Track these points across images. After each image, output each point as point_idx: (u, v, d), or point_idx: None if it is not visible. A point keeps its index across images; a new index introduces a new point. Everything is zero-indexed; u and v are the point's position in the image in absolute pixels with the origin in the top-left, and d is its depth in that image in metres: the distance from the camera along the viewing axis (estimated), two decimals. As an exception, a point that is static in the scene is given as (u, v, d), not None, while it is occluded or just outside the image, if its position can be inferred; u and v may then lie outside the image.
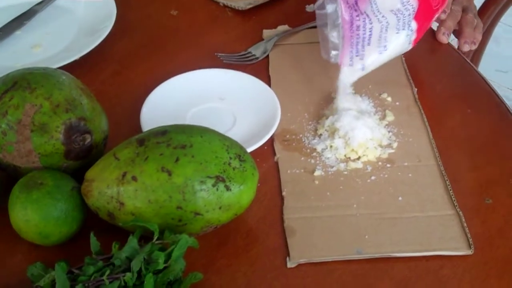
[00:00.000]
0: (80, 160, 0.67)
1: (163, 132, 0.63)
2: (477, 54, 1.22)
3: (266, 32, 0.95)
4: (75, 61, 0.86)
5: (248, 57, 0.91)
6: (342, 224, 0.68)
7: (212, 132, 0.64)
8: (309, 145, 0.76)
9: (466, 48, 0.90)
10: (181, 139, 0.62)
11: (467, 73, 0.89)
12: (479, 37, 0.92)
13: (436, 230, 0.67)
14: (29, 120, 0.65)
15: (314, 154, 0.75)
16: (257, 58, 0.91)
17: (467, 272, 0.64)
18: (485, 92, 0.86)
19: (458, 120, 0.81)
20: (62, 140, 0.65)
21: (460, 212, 0.68)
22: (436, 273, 0.64)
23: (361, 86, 0.84)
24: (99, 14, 0.95)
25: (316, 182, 0.72)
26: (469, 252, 0.65)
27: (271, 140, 0.77)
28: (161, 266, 0.57)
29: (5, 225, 0.67)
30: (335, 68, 0.87)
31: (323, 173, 0.73)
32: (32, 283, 0.61)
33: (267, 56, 0.91)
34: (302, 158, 0.75)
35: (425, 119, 0.80)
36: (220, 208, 0.62)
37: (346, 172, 0.73)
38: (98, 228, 0.63)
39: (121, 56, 0.92)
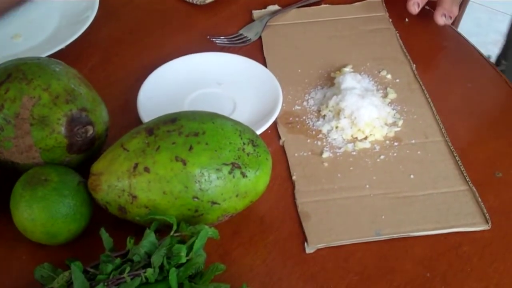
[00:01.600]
0: (82, 153, 0.64)
1: (172, 120, 0.60)
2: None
3: (256, 13, 0.93)
4: (60, 50, 0.82)
5: (240, 39, 0.89)
6: (357, 205, 0.66)
7: (222, 117, 0.62)
8: (314, 127, 0.75)
9: (442, 21, 0.85)
10: (193, 126, 0.59)
11: (461, 46, 0.89)
12: (455, 11, 0.88)
13: (452, 206, 0.66)
14: (27, 113, 0.61)
15: (320, 135, 0.74)
16: (250, 39, 0.88)
17: (487, 247, 0.63)
18: (481, 65, 0.85)
19: (459, 95, 0.80)
20: (64, 133, 0.62)
21: (473, 188, 0.68)
22: (456, 250, 0.63)
23: (359, 64, 0.83)
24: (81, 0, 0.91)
25: (326, 164, 0.71)
26: (486, 227, 0.64)
27: (274, 123, 0.75)
28: (183, 260, 0.55)
29: (5, 226, 0.63)
30: (331, 47, 0.86)
31: (331, 154, 0.72)
32: (42, 286, 0.58)
33: (260, 37, 0.89)
34: (308, 140, 0.73)
35: (427, 95, 0.79)
36: (237, 195, 0.59)
37: (354, 153, 0.72)
38: (104, 224, 0.60)
39: (108, 43, 0.88)
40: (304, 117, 0.76)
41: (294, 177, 0.69)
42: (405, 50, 0.86)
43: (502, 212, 0.66)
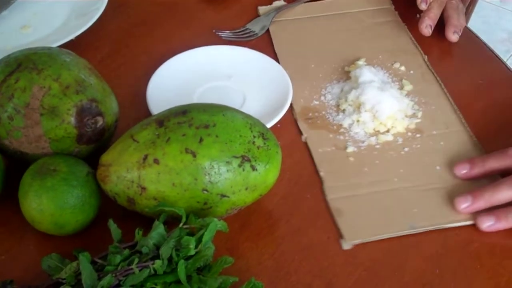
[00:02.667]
0: (92, 144, 0.64)
1: (183, 112, 0.60)
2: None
3: (262, 9, 0.92)
4: (69, 42, 0.82)
5: (247, 33, 0.88)
6: (388, 199, 0.66)
7: (233, 110, 0.62)
8: (334, 122, 0.74)
9: (455, 38, 0.84)
10: (203, 118, 0.59)
11: (471, 40, 0.88)
12: (463, 22, 0.88)
13: None
14: (38, 103, 0.61)
15: (342, 130, 0.74)
16: (256, 34, 0.88)
17: (497, 244, 0.63)
18: (492, 60, 0.85)
19: (473, 90, 0.80)
20: (74, 123, 0.62)
21: (498, 176, 0.67)
22: (466, 246, 0.62)
23: (372, 57, 0.83)
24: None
25: (351, 158, 0.70)
26: None
27: (293, 119, 0.75)
28: (192, 252, 0.55)
29: (12, 216, 0.63)
30: (342, 41, 0.86)
31: (355, 149, 0.71)
32: (50, 276, 0.57)
33: (266, 32, 0.88)
34: (331, 135, 0.73)
35: (443, 86, 0.79)
36: (246, 189, 0.59)
37: (378, 146, 0.72)
38: (112, 215, 0.60)
39: (118, 34, 0.88)
40: (323, 112, 0.76)
41: (321, 173, 0.69)
42: (415, 42, 0.86)
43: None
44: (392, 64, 0.82)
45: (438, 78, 0.80)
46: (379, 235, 0.63)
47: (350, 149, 0.71)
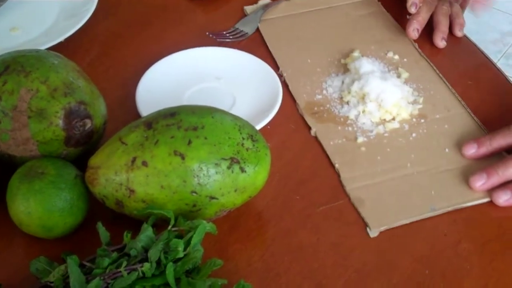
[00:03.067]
0: (80, 146, 0.64)
1: (172, 114, 0.60)
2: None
3: (249, 8, 0.93)
4: (59, 44, 0.82)
5: (237, 33, 0.88)
6: (405, 185, 0.68)
7: (222, 112, 0.61)
8: (341, 114, 0.76)
9: (442, 44, 0.86)
10: (192, 120, 0.59)
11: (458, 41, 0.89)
12: (463, 23, 0.89)
13: None
14: (25, 106, 0.61)
15: (349, 121, 0.75)
16: (247, 34, 0.88)
17: (486, 245, 0.63)
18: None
19: (461, 90, 0.80)
20: (62, 126, 0.61)
21: (504, 153, 0.69)
22: (455, 247, 0.63)
23: (365, 48, 0.84)
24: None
25: (363, 148, 0.72)
26: None
27: (300, 115, 0.76)
28: (181, 254, 0.54)
29: (1, 219, 0.63)
30: (333, 35, 0.87)
31: (365, 139, 0.73)
32: (38, 279, 0.57)
33: (257, 32, 0.88)
34: (339, 128, 0.74)
35: (437, 70, 0.81)
36: (235, 191, 0.59)
37: (386, 134, 0.73)
38: (100, 218, 0.60)
39: (107, 36, 0.88)
40: (328, 106, 0.77)
41: (336, 166, 0.70)
42: (403, 30, 0.88)
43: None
44: (386, 54, 0.84)
45: (432, 64, 0.82)
46: (402, 220, 0.64)
47: (360, 140, 0.72)
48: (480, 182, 0.66)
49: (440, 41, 0.86)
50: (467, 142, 0.70)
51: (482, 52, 0.87)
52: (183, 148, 0.57)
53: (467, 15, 1.32)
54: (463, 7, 1.00)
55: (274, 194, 0.67)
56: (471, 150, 0.70)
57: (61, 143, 0.62)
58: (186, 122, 0.59)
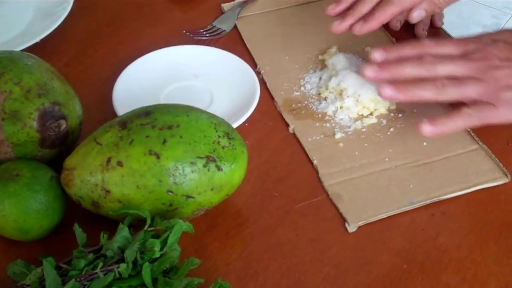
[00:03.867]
0: (55, 148, 0.63)
1: (146, 113, 0.59)
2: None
3: (226, 6, 0.93)
4: (35, 44, 0.81)
5: (215, 31, 0.88)
6: (383, 179, 0.68)
7: (197, 110, 0.61)
8: (318, 110, 0.76)
9: (423, 34, 0.87)
10: (167, 119, 0.58)
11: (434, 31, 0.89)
12: (441, 13, 0.90)
13: (470, 166, 0.69)
14: (-1, 108, 0.60)
15: (327, 117, 0.75)
16: (224, 31, 0.88)
17: (464, 239, 0.63)
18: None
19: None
20: (36, 127, 0.61)
21: (484, 146, 0.70)
22: (433, 241, 0.63)
23: (342, 44, 0.84)
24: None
25: (341, 144, 0.72)
26: (506, 180, 0.68)
27: (278, 112, 0.76)
28: (157, 254, 0.54)
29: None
30: (310, 31, 0.87)
31: (343, 134, 0.73)
32: (15, 282, 0.57)
33: (234, 29, 0.88)
34: (317, 124, 0.74)
35: None
36: (212, 189, 0.59)
37: (364, 129, 0.73)
38: (77, 219, 0.59)
39: (84, 36, 0.87)
40: (306, 102, 0.77)
41: (315, 162, 0.70)
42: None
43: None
44: (363, 49, 0.84)
45: None
46: (381, 214, 0.64)
47: (338, 136, 0.72)
48: (371, 71, 0.68)
49: (422, 31, 0.87)
50: (375, 49, 0.70)
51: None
52: (158, 148, 0.57)
53: (449, 9, 1.33)
54: None
55: (252, 191, 0.67)
56: (377, 55, 0.69)
57: (36, 144, 0.62)
58: (160, 121, 0.58)
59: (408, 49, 0.69)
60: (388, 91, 0.66)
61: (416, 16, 0.77)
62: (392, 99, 0.69)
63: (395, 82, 0.67)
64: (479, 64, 0.65)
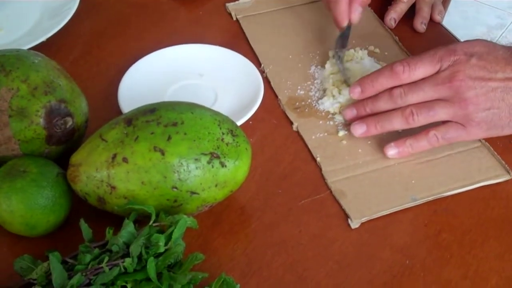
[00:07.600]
0: (62, 145, 0.64)
1: (151, 110, 0.60)
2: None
3: (231, 6, 0.93)
4: (42, 43, 0.82)
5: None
6: (386, 176, 0.69)
7: (202, 107, 0.62)
8: (322, 108, 0.76)
9: (422, 28, 0.88)
10: (172, 116, 0.59)
11: (440, 34, 0.90)
12: (442, 9, 0.91)
13: (472, 163, 0.70)
14: (6, 105, 0.61)
15: (330, 116, 0.76)
16: None
17: (466, 235, 0.64)
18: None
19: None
20: (43, 124, 0.62)
21: (486, 143, 0.71)
22: (435, 237, 0.63)
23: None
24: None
25: (344, 142, 0.73)
26: (509, 177, 0.68)
27: (282, 111, 0.76)
28: (162, 249, 0.55)
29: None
30: (313, 30, 0.87)
31: (346, 132, 0.73)
32: (22, 277, 0.57)
33: (238, 28, 0.89)
34: (320, 122, 0.75)
35: None
36: (216, 185, 0.59)
37: None
38: (83, 215, 0.60)
39: (90, 35, 0.88)
40: (309, 100, 0.78)
41: (318, 159, 0.70)
42: (383, 24, 0.89)
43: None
44: (367, 48, 0.84)
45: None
46: (383, 210, 0.65)
47: (341, 133, 0.73)
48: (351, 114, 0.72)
49: (420, 25, 0.88)
50: (352, 85, 0.71)
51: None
52: (163, 144, 0.58)
53: (454, 10, 1.34)
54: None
55: (256, 188, 0.68)
56: (356, 92, 0.71)
57: (42, 141, 0.62)
58: (165, 118, 0.59)
59: (383, 79, 0.69)
60: (359, 130, 0.71)
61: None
62: (365, 136, 0.71)
63: (367, 119, 0.70)
64: (449, 85, 0.66)
